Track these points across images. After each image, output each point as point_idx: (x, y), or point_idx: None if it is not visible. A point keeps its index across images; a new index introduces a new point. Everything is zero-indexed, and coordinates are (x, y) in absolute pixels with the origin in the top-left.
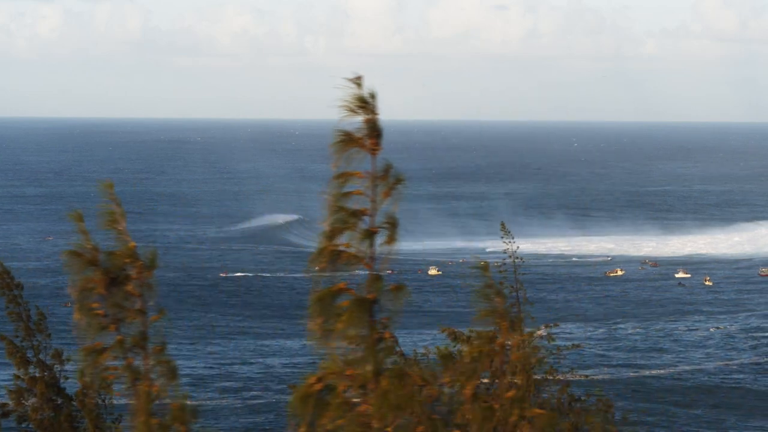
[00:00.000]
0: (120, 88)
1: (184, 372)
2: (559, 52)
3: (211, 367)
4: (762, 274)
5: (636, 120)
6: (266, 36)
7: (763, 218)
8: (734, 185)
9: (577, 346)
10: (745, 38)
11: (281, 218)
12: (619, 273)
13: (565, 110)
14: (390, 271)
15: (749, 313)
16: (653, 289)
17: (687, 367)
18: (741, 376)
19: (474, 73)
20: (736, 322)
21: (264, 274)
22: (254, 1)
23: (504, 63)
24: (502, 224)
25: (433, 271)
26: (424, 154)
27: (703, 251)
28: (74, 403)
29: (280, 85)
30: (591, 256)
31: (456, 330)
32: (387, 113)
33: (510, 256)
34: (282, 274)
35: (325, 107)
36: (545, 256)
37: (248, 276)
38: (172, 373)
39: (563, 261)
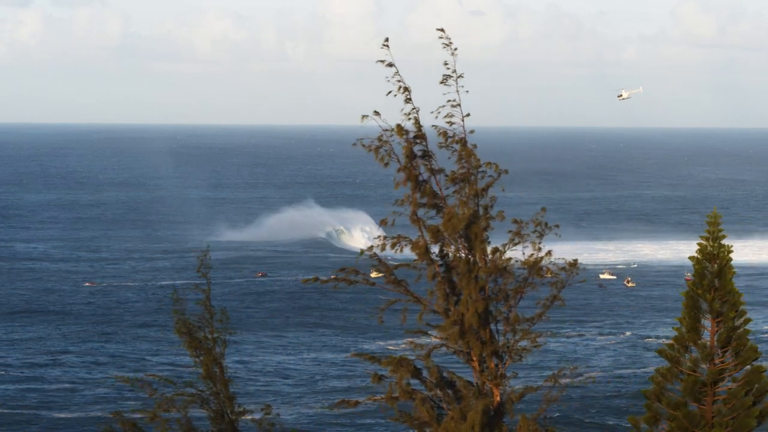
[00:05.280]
0: (101, 93)
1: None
2: (539, 57)
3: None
4: (687, 278)
5: (619, 126)
6: (246, 42)
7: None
8: (699, 191)
9: None
10: (725, 44)
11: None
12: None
13: (549, 116)
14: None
15: (650, 319)
16: (570, 289)
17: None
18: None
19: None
20: (629, 329)
21: (131, 284)
22: (234, 6)
23: (485, 68)
24: None
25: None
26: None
27: (649, 257)
28: None
29: (261, 91)
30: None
31: None
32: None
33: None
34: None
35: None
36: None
37: (115, 286)
38: None
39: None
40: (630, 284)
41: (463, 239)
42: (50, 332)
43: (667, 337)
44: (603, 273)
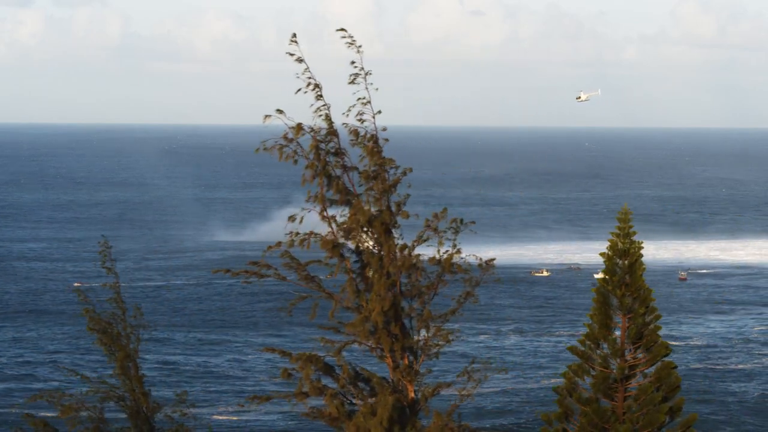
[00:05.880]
0: (101, 93)
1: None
2: (539, 57)
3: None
4: (681, 278)
5: (619, 126)
6: (246, 42)
7: (701, 226)
8: (698, 192)
9: None
10: (725, 44)
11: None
12: (545, 274)
13: (549, 116)
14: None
15: None
16: (564, 289)
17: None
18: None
19: (454, 78)
20: None
21: (123, 284)
22: (234, 6)
23: (485, 68)
24: None
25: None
26: None
27: (647, 257)
28: None
29: (261, 91)
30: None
31: None
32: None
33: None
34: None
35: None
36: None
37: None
38: None
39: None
40: None
41: (377, 236)
42: (40, 332)
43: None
44: (597, 273)
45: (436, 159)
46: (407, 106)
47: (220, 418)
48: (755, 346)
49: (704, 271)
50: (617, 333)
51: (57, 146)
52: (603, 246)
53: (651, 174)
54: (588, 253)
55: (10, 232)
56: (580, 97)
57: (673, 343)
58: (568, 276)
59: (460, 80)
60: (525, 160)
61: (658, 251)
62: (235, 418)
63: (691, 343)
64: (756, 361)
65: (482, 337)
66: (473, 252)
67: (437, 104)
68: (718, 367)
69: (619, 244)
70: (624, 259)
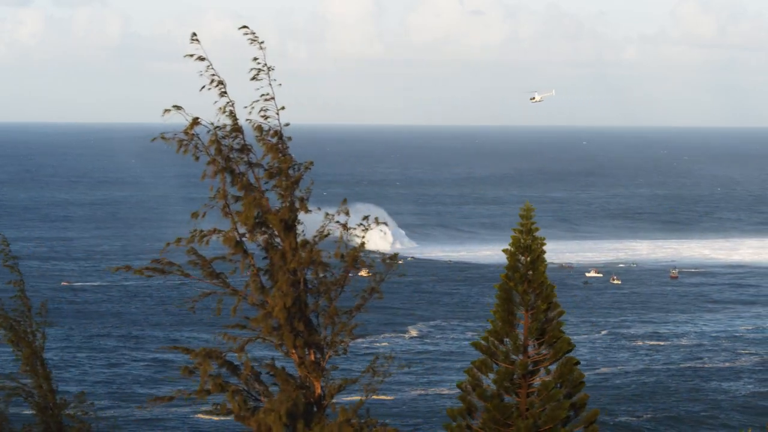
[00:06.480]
0: (101, 93)
1: None
2: (539, 57)
3: None
4: (672, 276)
5: (619, 125)
6: (247, 42)
7: (690, 224)
8: (696, 191)
9: None
10: (725, 44)
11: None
12: None
13: (549, 116)
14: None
15: (626, 317)
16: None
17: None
18: None
19: (454, 78)
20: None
21: (114, 284)
22: (234, 6)
23: (485, 68)
24: None
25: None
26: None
27: (643, 256)
28: None
29: (261, 90)
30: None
31: None
32: (370, 118)
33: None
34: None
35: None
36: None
37: (95, 285)
38: None
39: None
40: (615, 281)
41: (283, 231)
42: None
43: (640, 335)
44: (589, 272)
45: (436, 159)
46: (407, 106)
47: (204, 417)
48: (744, 344)
49: (695, 269)
50: (521, 329)
51: (56, 145)
52: (597, 245)
53: (648, 173)
54: (581, 252)
55: (5, 231)
56: (534, 98)
57: (662, 342)
58: (559, 275)
59: (460, 80)
60: (524, 160)
61: (652, 249)
62: (217, 418)
63: (681, 341)
64: (745, 359)
65: (470, 335)
66: (471, 250)
67: (437, 104)
68: (707, 365)
69: (522, 241)
70: (526, 256)
